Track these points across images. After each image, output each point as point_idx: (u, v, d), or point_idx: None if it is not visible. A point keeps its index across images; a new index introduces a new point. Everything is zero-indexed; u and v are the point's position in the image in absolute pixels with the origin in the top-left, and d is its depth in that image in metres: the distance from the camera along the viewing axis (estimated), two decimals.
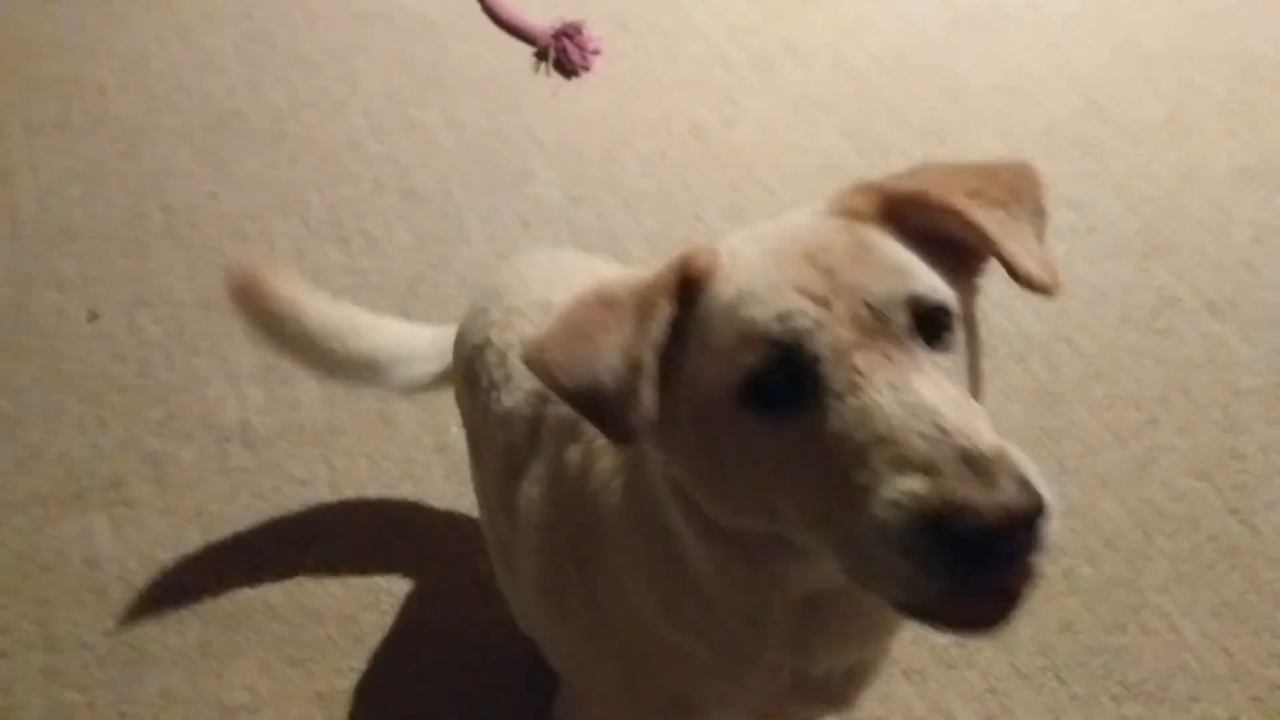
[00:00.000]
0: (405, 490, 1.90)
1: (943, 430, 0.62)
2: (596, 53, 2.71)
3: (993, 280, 2.26)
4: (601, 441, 0.97)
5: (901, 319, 0.71)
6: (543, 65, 2.69)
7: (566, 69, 2.68)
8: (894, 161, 2.39)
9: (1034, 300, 2.13)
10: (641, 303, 0.73)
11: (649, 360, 0.71)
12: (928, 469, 0.61)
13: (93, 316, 2.19)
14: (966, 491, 0.59)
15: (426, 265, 2.24)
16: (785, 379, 0.69)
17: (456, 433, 1.97)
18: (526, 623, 1.45)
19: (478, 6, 2.87)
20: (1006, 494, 0.59)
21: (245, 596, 1.79)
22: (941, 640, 1.68)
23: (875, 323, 0.70)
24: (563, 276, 1.28)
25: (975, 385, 0.80)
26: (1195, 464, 1.87)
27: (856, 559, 0.65)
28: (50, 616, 1.79)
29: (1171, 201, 2.29)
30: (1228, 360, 2.01)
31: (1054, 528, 0.62)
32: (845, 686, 1.00)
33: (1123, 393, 1.97)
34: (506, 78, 2.68)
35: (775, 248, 0.75)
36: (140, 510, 1.90)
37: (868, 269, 0.72)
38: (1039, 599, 1.72)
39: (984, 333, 2.23)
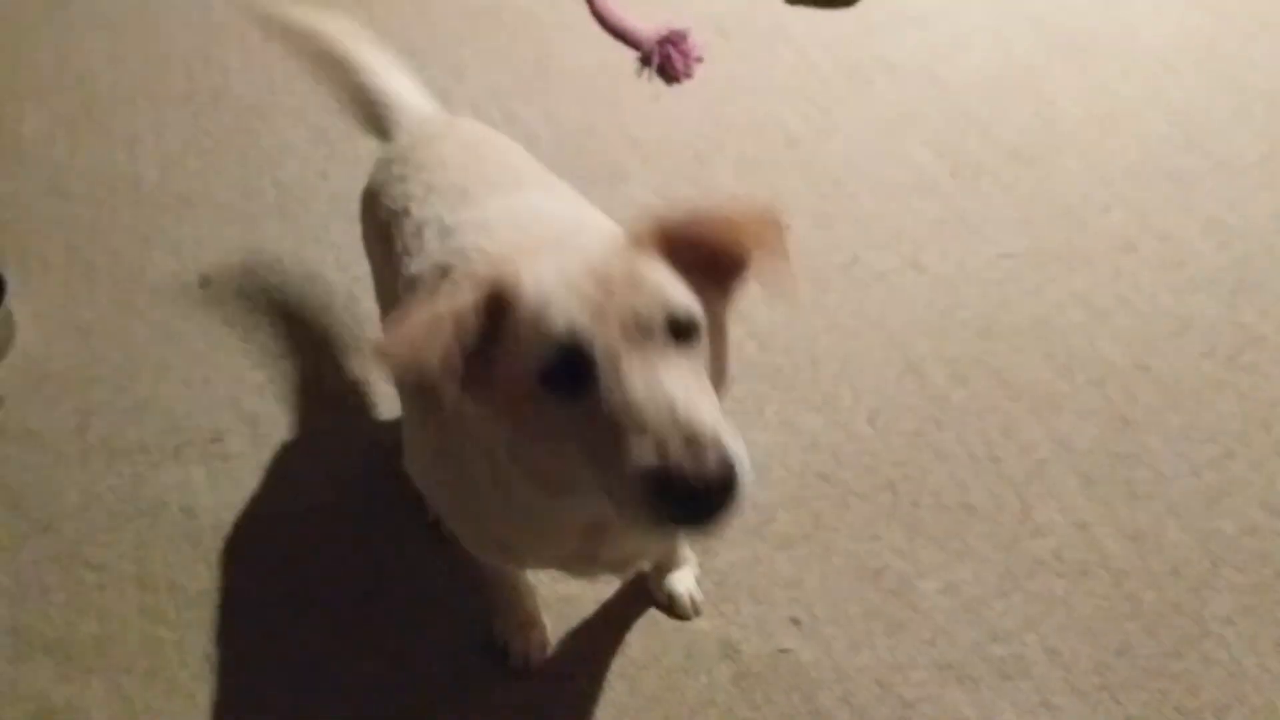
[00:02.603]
0: None
1: (674, 416, 0.90)
2: (699, 60, 2.77)
3: (1077, 308, 2.24)
4: None
5: (659, 328, 0.97)
6: (645, 69, 2.76)
7: (669, 75, 2.74)
8: (985, 184, 2.41)
9: (1115, 327, 2.14)
10: (457, 319, 0.99)
11: (456, 364, 0.97)
12: (660, 447, 0.89)
13: (205, 282, 2.31)
14: (680, 467, 0.88)
15: None
16: (571, 371, 0.96)
17: None
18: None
19: (583, 8, 2.96)
20: (710, 468, 0.88)
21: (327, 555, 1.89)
22: (998, 651, 1.71)
23: (638, 332, 0.96)
24: (479, 163, 1.52)
25: (719, 370, 1.07)
26: (1270, 500, 1.87)
27: (616, 498, 0.93)
28: (147, 557, 1.90)
29: (1262, 241, 2.27)
30: None
31: (747, 490, 0.90)
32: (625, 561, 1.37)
33: (1199, 424, 1.97)
34: (607, 78, 2.75)
35: (570, 273, 1.00)
36: (236, 465, 2.01)
37: (637, 292, 0.98)
38: (1100, 620, 1.74)
39: (1063, 357, 2.20)
